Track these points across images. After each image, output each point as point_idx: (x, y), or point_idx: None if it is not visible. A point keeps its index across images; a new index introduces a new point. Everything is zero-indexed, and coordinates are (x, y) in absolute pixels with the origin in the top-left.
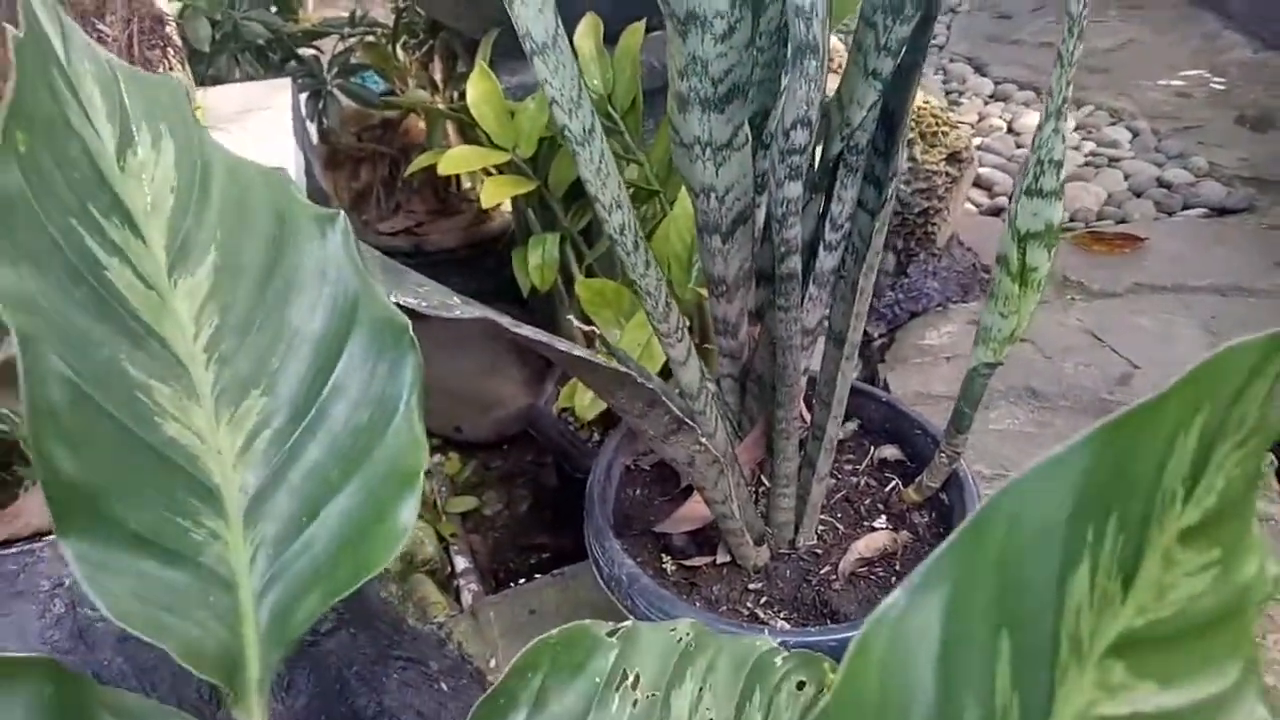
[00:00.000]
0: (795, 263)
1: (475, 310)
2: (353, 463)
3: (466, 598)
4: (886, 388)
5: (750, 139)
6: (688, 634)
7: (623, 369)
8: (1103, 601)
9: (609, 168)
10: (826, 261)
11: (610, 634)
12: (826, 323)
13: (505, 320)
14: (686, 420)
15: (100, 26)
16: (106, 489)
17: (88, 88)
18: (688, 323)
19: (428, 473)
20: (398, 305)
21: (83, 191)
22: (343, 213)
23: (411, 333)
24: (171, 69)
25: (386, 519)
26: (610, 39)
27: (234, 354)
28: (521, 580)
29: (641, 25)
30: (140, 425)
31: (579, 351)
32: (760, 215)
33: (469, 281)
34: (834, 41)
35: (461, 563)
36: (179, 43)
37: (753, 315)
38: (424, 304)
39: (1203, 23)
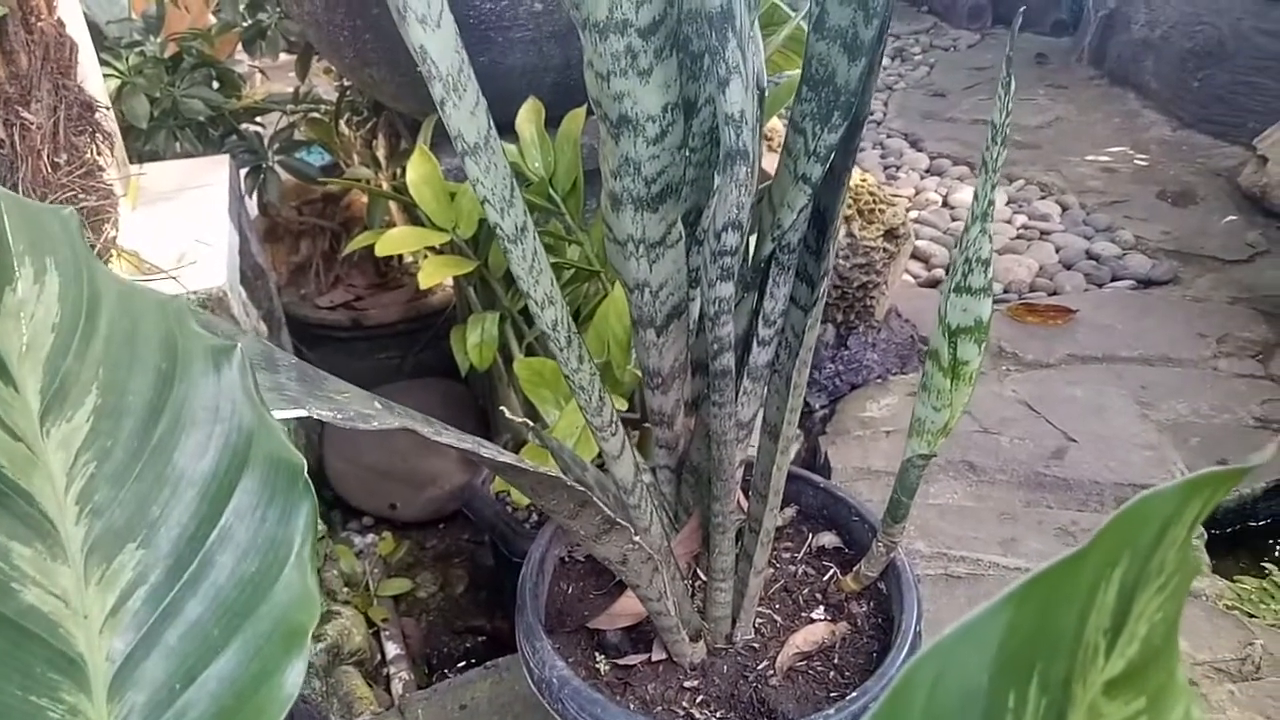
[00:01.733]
0: (728, 359)
1: (394, 420)
2: (236, 619)
3: (397, 687)
4: (828, 462)
5: (684, 236)
6: None
7: (551, 473)
8: None
9: (541, 264)
10: (760, 356)
11: None
12: (761, 416)
13: (426, 429)
14: (619, 521)
15: (24, 114)
16: None
17: None
18: (626, 405)
19: (358, 553)
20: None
21: None
22: (240, 345)
23: (306, 475)
24: (99, 154)
25: (270, 683)
26: (552, 122)
27: (110, 504)
28: (459, 665)
29: (582, 111)
30: None
31: (505, 457)
32: (695, 308)
33: (409, 356)
34: (774, 122)
35: (392, 649)
36: (108, 128)
37: (689, 406)
38: (339, 415)
39: (1124, 101)
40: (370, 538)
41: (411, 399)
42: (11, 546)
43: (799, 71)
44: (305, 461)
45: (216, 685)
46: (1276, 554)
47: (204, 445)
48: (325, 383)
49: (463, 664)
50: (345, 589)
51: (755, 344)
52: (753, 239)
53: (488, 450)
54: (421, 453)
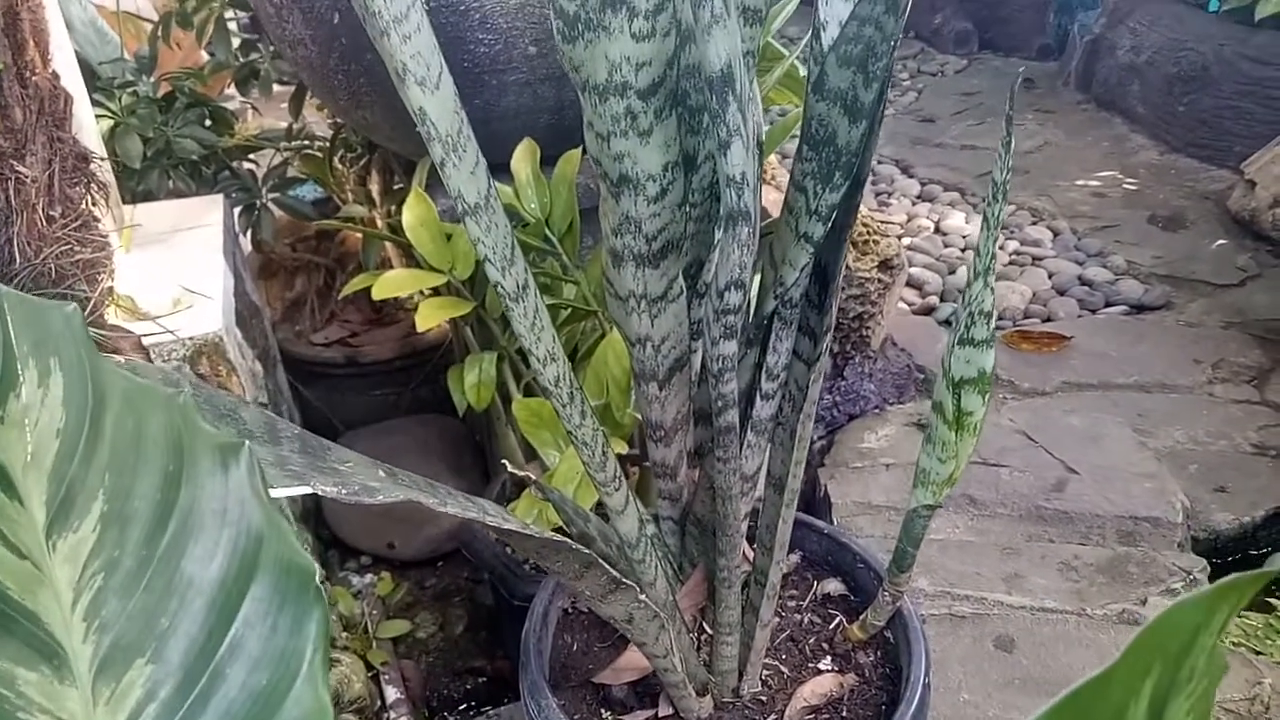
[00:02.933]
0: (733, 416)
1: (399, 492)
2: None
3: None
4: (827, 496)
5: (685, 290)
6: None
7: (556, 538)
8: None
9: (543, 321)
10: (763, 410)
11: None
12: (765, 468)
13: (431, 501)
14: (624, 581)
15: (19, 168)
16: None
17: None
18: (626, 448)
19: (356, 593)
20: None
21: None
22: (248, 443)
23: (319, 580)
24: (95, 204)
25: None
26: (548, 162)
27: (118, 618)
28: (460, 707)
29: (577, 152)
30: None
31: (510, 524)
32: (696, 360)
33: (406, 392)
34: (770, 158)
35: (392, 694)
36: (103, 179)
37: (692, 456)
38: (344, 490)
39: (1111, 126)
40: (369, 578)
41: (409, 436)
42: (17, 673)
43: (795, 107)
44: (317, 566)
45: None
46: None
47: (212, 550)
48: (328, 453)
49: (463, 706)
50: (344, 633)
51: (759, 398)
52: (753, 286)
53: (492, 518)
54: None
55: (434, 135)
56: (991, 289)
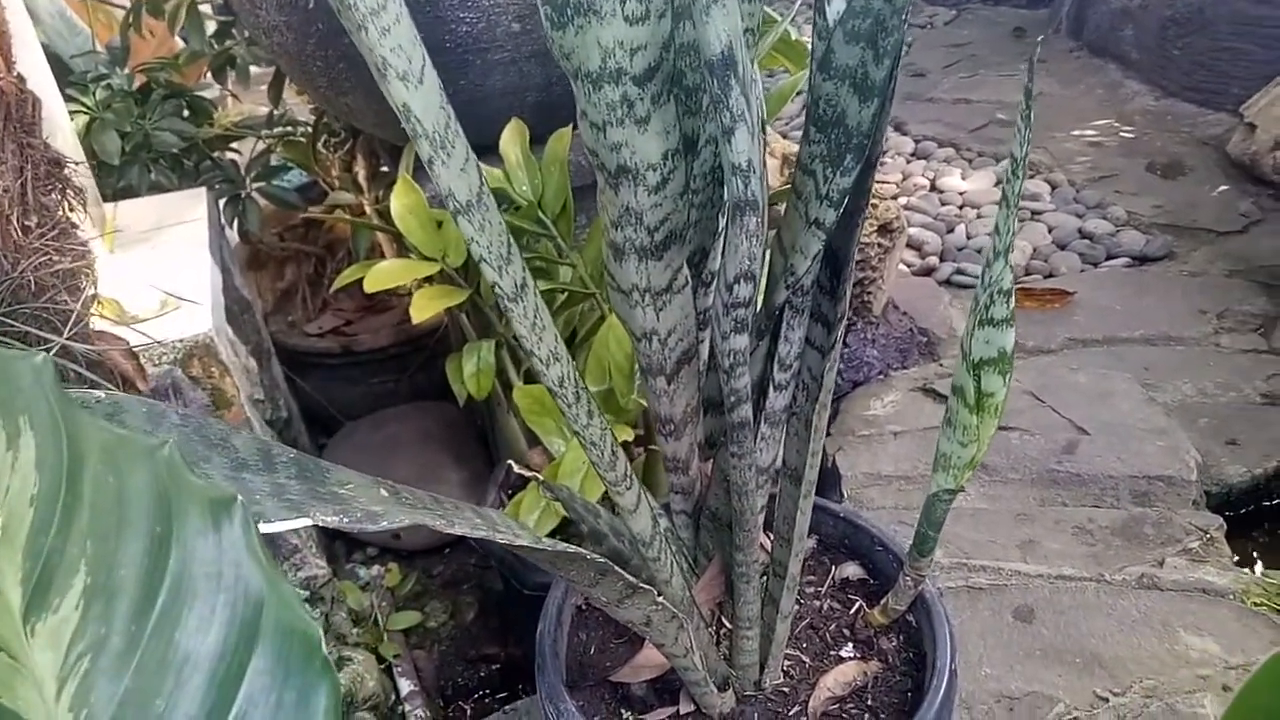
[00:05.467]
0: (746, 411)
1: (403, 514)
2: None
3: None
4: (836, 468)
5: (690, 280)
6: None
7: (570, 550)
8: None
9: (544, 321)
10: (777, 401)
11: None
12: (781, 459)
13: (438, 522)
14: (641, 585)
15: None
16: None
17: None
18: (632, 435)
19: (364, 586)
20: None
21: None
22: (240, 498)
23: (325, 649)
24: (72, 210)
25: None
26: (537, 140)
27: (109, 704)
28: (474, 695)
29: (568, 130)
30: None
31: (522, 539)
32: (704, 350)
33: (403, 380)
34: (770, 132)
35: (406, 686)
36: (79, 183)
37: (703, 448)
38: (345, 519)
39: (1105, 73)
40: (376, 569)
41: (408, 424)
42: None
43: (788, 74)
44: (322, 633)
45: None
46: None
47: (208, 619)
48: (328, 476)
49: (478, 694)
50: (355, 629)
51: (771, 389)
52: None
53: (503, 534)
54: (425, 480)
55: (420, 132)
56: (1011, 267)
